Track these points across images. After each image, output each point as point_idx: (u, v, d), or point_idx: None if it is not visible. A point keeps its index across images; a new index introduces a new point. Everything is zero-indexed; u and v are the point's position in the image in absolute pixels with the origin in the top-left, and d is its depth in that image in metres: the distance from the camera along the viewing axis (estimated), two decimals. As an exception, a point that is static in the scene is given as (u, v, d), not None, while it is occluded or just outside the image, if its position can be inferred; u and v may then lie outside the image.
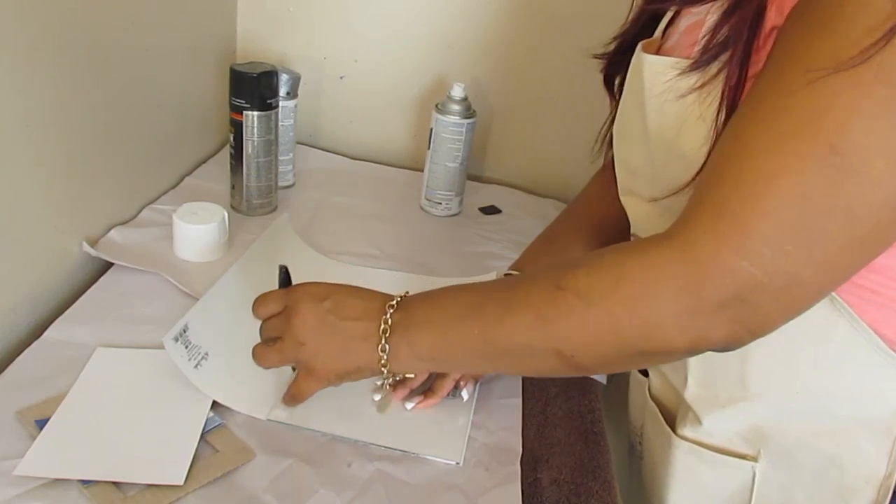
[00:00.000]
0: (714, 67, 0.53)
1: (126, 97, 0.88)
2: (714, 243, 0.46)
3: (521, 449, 0.68)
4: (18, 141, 0.71)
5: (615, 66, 0.71)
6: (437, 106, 1.03)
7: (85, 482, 0.57)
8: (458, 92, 1.01)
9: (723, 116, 0.52)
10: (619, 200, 0.71)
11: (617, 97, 0.73)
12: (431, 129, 1.04)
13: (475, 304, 0.57)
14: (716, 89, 0.53)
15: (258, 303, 0.65)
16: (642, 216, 0.66)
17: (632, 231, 0.69)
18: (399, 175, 1.19)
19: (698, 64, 0.53)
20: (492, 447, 0.67)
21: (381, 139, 1.23)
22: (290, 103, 1.04)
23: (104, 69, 0.82)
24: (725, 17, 0.52)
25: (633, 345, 0.51)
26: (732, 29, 0.51)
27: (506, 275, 0.78)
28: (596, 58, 0.73)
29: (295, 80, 1.04)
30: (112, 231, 0.88)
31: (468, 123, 1.02)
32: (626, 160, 0.67)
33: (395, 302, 0.60)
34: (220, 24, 1.13)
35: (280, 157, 0.99)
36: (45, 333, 0.72)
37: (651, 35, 0.65)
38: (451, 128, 1.02)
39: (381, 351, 0.59)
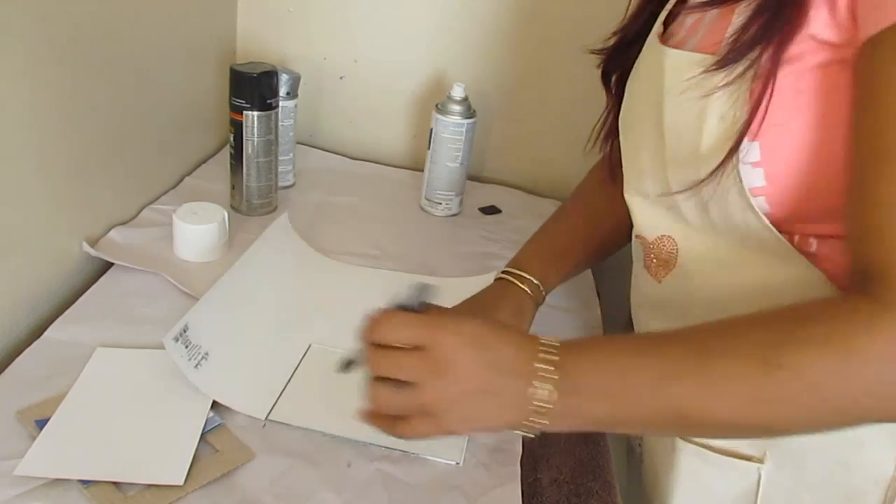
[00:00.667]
0: (741, 66, 0.52)
1: (126, 97, 0.88)
2: None
3: (521, 449, 0.68)
4: (19, 141, 0.71)
5: (614, 62, 0.71)
6: (437, 106, 1.03)
7: (85, 482, 0.57)
8: (458, 92, 1.01)
9: (744, 117, 0.52)
10: (616, 198, 0.71)
11: (614, 93, 0.73)
12: (431, 129, 1.04)
13: (665, 375, 0.49)
14: (740, 89, 0.52)
15: (384, 323, 0.52)
16: (648, 216, 0.66)
17: (636, 232, 0.69)
18: (399, 175, 1.19)
19: (725, 62, 0.52)
20: (492, 447, 0.67)
21: (381, 139, 1.23)
22: (290, 103, 1.04)
23: (104, 69, 0.82)
24: (757, 14, 0.51)
25: (864, 419, 0.49)
26: (762, 28, 0.51)
27: (503, 273, 0.78)
28: (594, 53, 0.73)
29: (295, 80, 1.04)
30: (112, 231, 0.88)
31: (468, 123, 1.02)
32: (634, 157, 0.66)
33: (552, 357, 0.50)
34: (220, 24, 1.13)
35: (280, 157, 0.99)
36: (45, 333, 0.72)
37: (648, 31, 0.65)
38: (451, 128, 1.02)
39: (537, 414, 0.50)
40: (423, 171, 1.08)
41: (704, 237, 0.60)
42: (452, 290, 0.90)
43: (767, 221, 0.55)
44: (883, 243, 0.47)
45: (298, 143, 1.12)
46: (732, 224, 0.57)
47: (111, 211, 0.90)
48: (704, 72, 0.54)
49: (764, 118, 0.51)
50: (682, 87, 0.56)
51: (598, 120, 0.76)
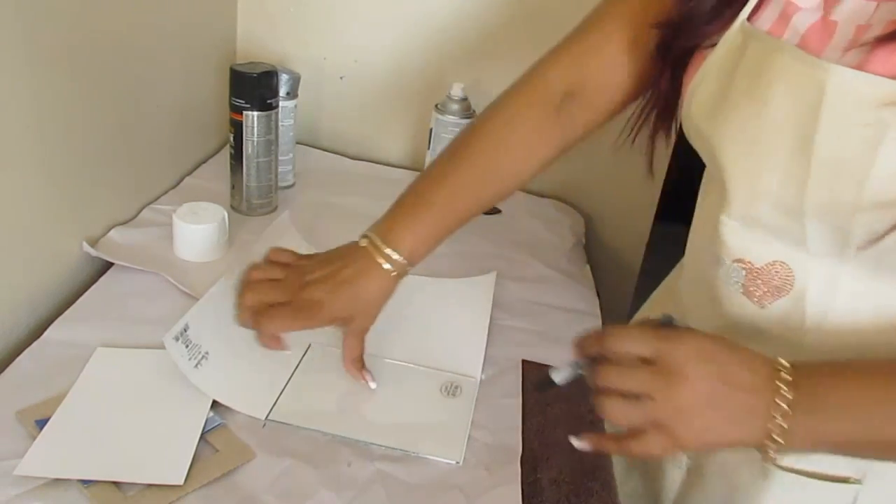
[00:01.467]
0: None
1: (126, 97, 0.88)
2: None
3: (521, 449, 0.68)
4: (19, 141, 0.71)
5: (682, 37, 0.61)
6: (437, 106, 1.03)
7: (85, 482, 0.57)
8: (457, 92, 1.02)
9: None
10: (547, 135, 0.69)
11: (672, 78, 0.64)
12: (431, 129, 1.04)
13: None
14: None
15: (617, 336, 0.53)
16: (759, 241, 0.59)
17: (733, 256, 0.60)
18: (399, 175, 1.19)
19: None
20: (492, 447, 0.67)
21: (381, 139, 1.23)
22: (290, 103, 1.04)
23: (104, 70, 0.82)
24: None
25: None
26: None
27: (369, 242, 0.69)
28: (657, 27, 0.63)
29: (295, 80, 1.04)
30: (112, 231, 0.88)
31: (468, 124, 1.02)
32: (751, 178, 0.58)
33: (788, 375, 0.51)
34: (220, 24, 1.13)
35: (280, 157, 0.99)
36: (45, 333, 0.72)
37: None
38: (451, 128, 1.02)
39: (775, 432, 0.50)
40: (422, 170, 1.08)
41: (828, 263, 0.56)
42: (452, 290, 0.90)
43: None
44: None
45: (298, 143, 1.12)
46: (877, 253, 0.53)
47: (111, 211, 0.90)
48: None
49: None
50: (852, 115, 0.50)
51: (639, 108, 0.68)
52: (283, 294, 0.66)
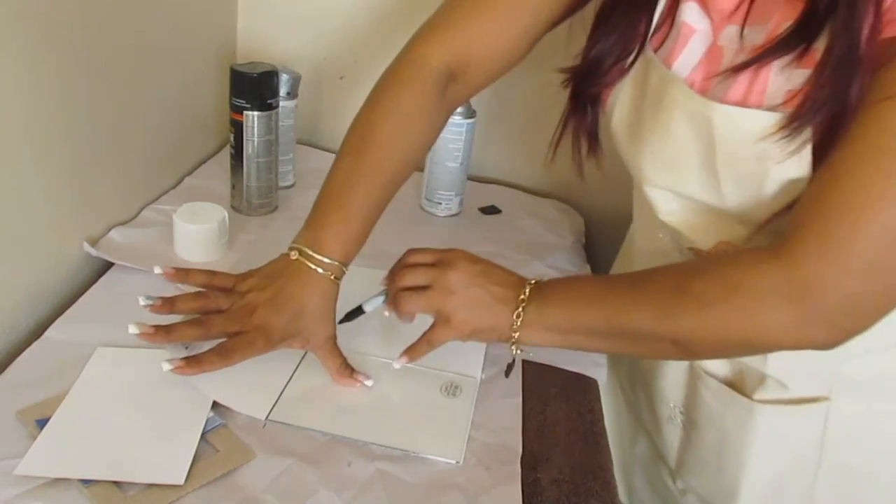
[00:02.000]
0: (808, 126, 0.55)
1: (126, 97, 0.88)
2: (820, 264, 0.53)
3: (521, 449, 0.68)
4: (19, 141, 0.71)
5: (592, 83, 0.69)
6: (437, 106, 1.03)
7: (85, 482, 0.57)
8: (458, 92, 1.01)
9: (808, 165, 0.56)
10: (435, 117, 0.75)
11: (590, 110, 0.71)
12: (431, 129, 1.04)
13: (603, 292, 0.64)
14: (804, 138, 0.55)
15: (412, 252, 0.71)
16: (702, 231, 0.68)
17: (685, 245, 0.70)
18: (399, 175, 1.19)
19: (795, 127, 0.54)
20: (492, 447, 0.67)
21: (381, 139, 1.23)
22: (290, 103, 1.04)
23: (104, 69, 0.82)
24: (832, 74, 0.52)
25: (744, 341, 0.59)
26: (835, 89, 0.52)
27: (301, 255, 0.69)
28: (563, 72, 0.71)
29: (295, 80, 1.04)
30: (112, 231, 0.88)
31: (468, 123, 1.02)
32: (673, 187, 0.67)
33: (533, 281, 0.67)
34: (220, 24, 1.13)
35: (280, 157, 0.99)
36: (45, 333, 0.72)
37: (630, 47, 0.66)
38: (451, 128, 1.02)
39: (516, 317, 0.65)
40: (423, 171, 1.08)
41: (766, 238, 0.63)
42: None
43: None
44: (801, 207, 0.56)
45: (298, 143, 1.12)
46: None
47: (111, 211, 0.90)
48: (785, 137, 0.55)
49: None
50: (737, 140, 0.58)
51: (559, 128, 0.74)
52: (233, 324, 0.68)
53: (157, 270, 0.73)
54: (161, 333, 0.67)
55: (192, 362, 0.65)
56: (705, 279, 0.59)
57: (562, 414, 0.74)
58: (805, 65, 0.54)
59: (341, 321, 0.72)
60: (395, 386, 0.73)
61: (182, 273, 0.73)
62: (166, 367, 0.65)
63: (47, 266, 0.79)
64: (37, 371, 0.68)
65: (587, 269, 1.02)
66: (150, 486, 0.58)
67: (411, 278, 0.69)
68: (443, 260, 0.69)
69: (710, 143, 0.60)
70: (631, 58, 0.66)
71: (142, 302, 0.69)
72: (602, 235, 1.20)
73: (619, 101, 0.69)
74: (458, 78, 0.75)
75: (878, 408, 0.69)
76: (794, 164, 0.56)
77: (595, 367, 0.80)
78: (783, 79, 0.56)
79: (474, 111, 1.03)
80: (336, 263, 0.69)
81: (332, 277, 0.69)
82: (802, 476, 0.73)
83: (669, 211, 0.69)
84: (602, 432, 0.73)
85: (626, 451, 0.93)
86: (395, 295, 0.69)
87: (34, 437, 0.60)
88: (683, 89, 0.61)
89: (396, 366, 0.70)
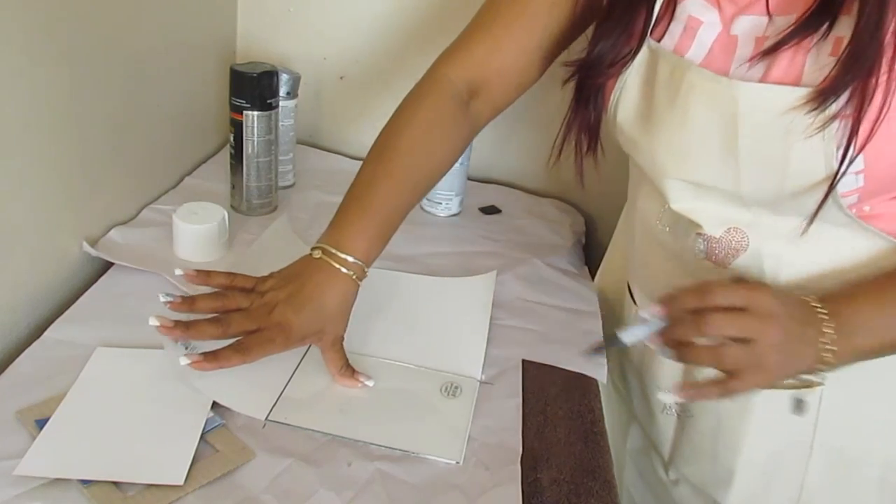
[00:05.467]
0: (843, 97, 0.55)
1: (126, 97, 0.88)
2: None
3: (521, 449, 0.68)
4: (18, 141, 0.71)
5: (598, 75, 0.70)
6: (437, 106, 1.03)
7: (85, 482, 0.57)
8: (458, 92, 1.01)
9: (845, 149, 0.56)
10: (462, 128, 0.76)
11: (593, 103, 0.72)
12: (431, 129, 1.04)
13: None
14: (830, 114, 0.55)
15: (712, 289, 0.60)
16: (713, 215, 0.68)
17: (693, 230, 0.69)
18: (399, 175, 1.19)
19: (823, 100, 0.55)
20: (492, 447, 0.67)
21: (381, 139, 1.23)
22: (290, 103, 1.04)
23: (104, 69, 0.82)
24: (868, 39, 0.53)
25: None
26: (875, 54, 0.53)
27: (324, 253, 0.70)
28: (568, 65, 0.72)
29: (295, 80, 1.04)
30: (112, 231, 0.88)
31: (468, 123, 1.02)
32: (688, 176, 0.67)
33: (821, 308, 0.60)
34: (220, 24, 1.13)
35: (280, 157, 0.99)
36: (45, 333, 0.72)
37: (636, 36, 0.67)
38: (451, 128, 1.02)
39: (826, 356, 0.59)
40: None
41: (776, 224, 0.65)
42: (452, 290, 0.90)
43: (856, 217, 0.61)
44: None
45: (298, 143, 1.12)
46: (818, 221, 0.62)
47: (111, 211, 0.90)
48: (812, 110, 0.55)
49: (874, 133, 0.55)
50: (764, 120, 0.58)
51: (562, 127, 0.75)
52: (252, 322, 0.68)
53: (178, 272, 0.73)
54: (180, 328, 0.66)
55: (210, 358, 0.65)
56: None
57: (562, 414, 0.74)
58: (835, 53, 0.56)
59: (594, 349, 0.70)
60: (395, 386, 0.73)
61: (203, 275, 0.73)
62: (183, 361, 0.65)
63: (47, 266, 0.79)
64: (37, 371, 0.67)
65: (586, 270, 1.02)
66: (150, 486, 0.58)
67: (730, 326, 0.58)
68: (758, 304, 0.59)
69: (732, 124, 0.61)
70: (633, 49, 0.67)
71: (162, 299, 0.69)
72: (602, 235, 1.20)
73: (625, 96, 0.69)
74: (478, 94, 0.78)
75: (869, 390, 0.70)
76: (818, 141, 0.57)
77: (595, 366, 0.80)
78: (816, 66, 0.57)
79: (474, 111, 1.03)
80: (359, 263, 0.70)
81: (354, 277, 0.70)
82: (795, 460, 0.73)
83: (681, 200, 0.69)
84: (602, 432, 0.73)
85: (618, 447, 0.93)
86: (686, 347, 0.60)
87: (34, 437, 0.60)
88: (705, 73, 0.62)
89: (668, 400, 0.65)
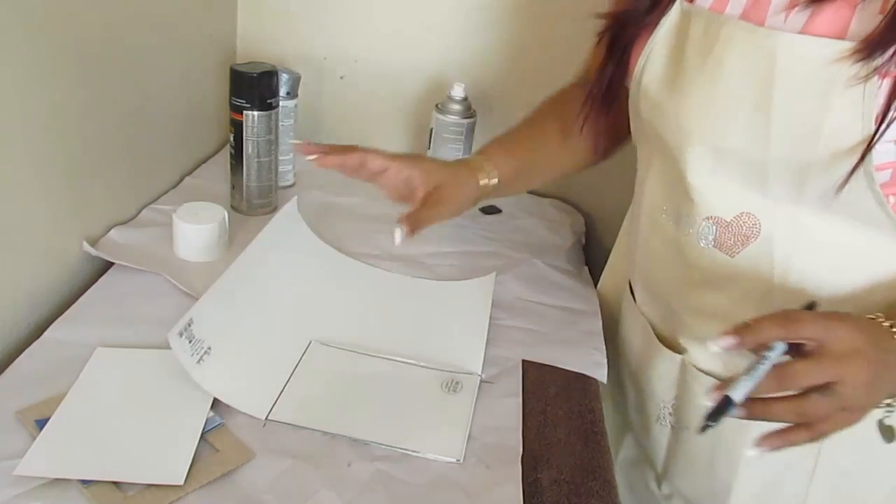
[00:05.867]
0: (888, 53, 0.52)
1: (126, 97, 0.88)
2: None
3: (521, 448, 0.68)
4: (18, 141, 0.71)
5: (629, 27, 0.68)
6: (437, 106, 1.03)
7: (85, 482, 0.57)
8: (458, 92, 1.02)
9: (885, 108, 0.53)
10: (570, 151, 0.80)
11: (617, 59, 0.70)
12: (431, 129, 1.04)
13: None
14: (871, 75, 0.53)
15: (791, 374, 0.51)
16: (726, 196, 0.65)
17: (704, 213, 0.66)
18: (399, 175, 1.19)
19: (867, 54, 0.52)
20: (492, 446, 0.67)
21: (381, 139, 1.23)
22: (290, 103, 1.04)
23: (104, 69, 0.82)
24: None
25: None
26: None
27: (477, 153, 0.80)
28: (601, 17, 0.71)
29: (295, 80, 1.04)
30: (112, 231, 0.88)
31: (468, 123, 1.02)
32: (717, 142, 0.63)
33: (890, 326, 0.55)
34: (220, 24, 1.13)
35: (280, 157, 1.00)
36: (45, 333, 0.72)
37: None
38: (451, 128, 1.02)
39: None
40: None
41: (793, 209, 0.62)
42: (452, 292, 0.90)
43: (893, 212, 0.57)
44: None
45: (299, 143, 1.12)
46: (841, 204, 0.58)
47: (111, 211, 0.90)
48: (858, 61, 0.53)
49: None
50: (803, 75, 0.56)
51: (588, 97, 0.76)
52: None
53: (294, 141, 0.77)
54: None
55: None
56: None
57: (562, 414, 0.74)
58: (883, 11, 0.54)
59: (704, 427, 0.52)
60: (396, 384, 0.73)
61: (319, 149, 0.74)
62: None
63: (47, 266, 0.79)
64: (37, 371, 0.67)
65: (586, 270, 1.02)
66: (150, 486, 0.58)
67: (802, 378, 0.52)
68: (834, 343, 0.52)
69: (768, 78, 0.58)
70: (669, 5, 0.66)
71: None
72: (602, 235, 1.20)
73: (651, 60, 0.67)
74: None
75: (875, 412, 0.66)
76: (857, 99, 0.54)
77: (596, 366, 0.80)
78: (862, 22, 0.55)
79: (474, 111, 1.03)
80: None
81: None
82: (797, 479, 0.71)
83: (699, 173, 0.65)
84: (602, 432, 0.73)
85: None
86: (784, 400, 0.53)
87: (34, 437, 0.60)
88: (742, 24, 0.60)
89: (755, 454, 0.55)
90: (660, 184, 0.72)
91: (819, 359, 0.51)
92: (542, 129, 0.85)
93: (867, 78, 0.53)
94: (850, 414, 0.54)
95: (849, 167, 0.56)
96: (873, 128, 0.54)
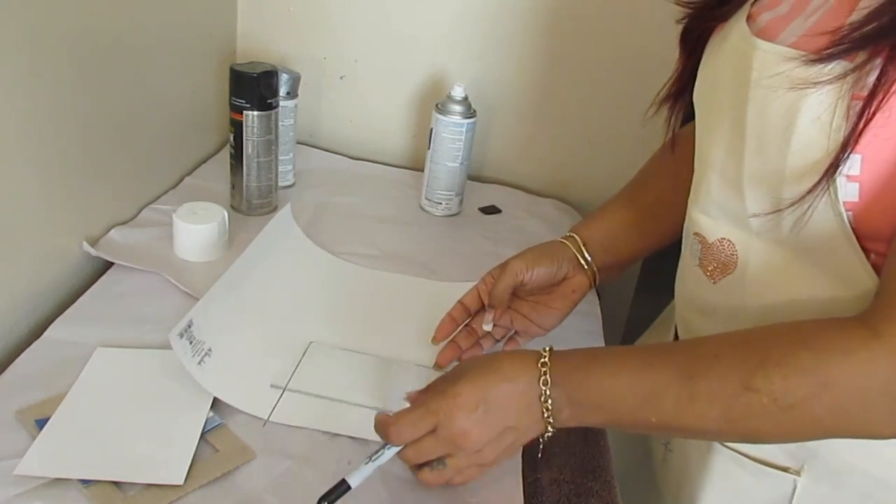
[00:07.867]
0: (840, 68, 0.50)
1: (126, 97, 0.88)
2: None
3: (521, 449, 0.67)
4: (18, 141, 0.71)
5: (701, 18, 0.66)
6: (437, 106, 1.03)
7: (85, 482, 0.57)
8: (458, 92, 1.01)
9: (846, 126, 0.50)
10: (672, 177, 0.74)
11: (689, 52, 0.68)
12: (431, 129, 1.04)
13: (651, 394, 0.54)
14: (841, 90, 0.50)
15: (396, 428, 0.58)
16: (711, 217, 0.64)
17: (694, 228, 0.66)
18: (399, 175, 1.19)
19: (833, 55, 0.50)
20: (492, 447, 0.67)
21: (381, 139, 1.23)
22: (290, 103, 1.04)
23: (104, 69, 0.82)
24: (883, 8, 0.48)
25: (832, 435, 0.53)
26: (885, 25, 0.48)
27: (565, 238, 0.81)
28: (679, 4, 0.67)
29: (295, 80, 1.04)
30: (112, 231, 0.88)
31: (468, 123, 1.02)
32: (706, 151, 0.63)
33: (548, 377, 0.57)
34: (220, 24, 1.13)
35: (280, 157, 0.99)
36: (45, 333, 0.72)
37: None
38: (451, 128, 1.02)
39: (550, 422, 0.58)
40: (423, 171, 1.08)
41: (767, 245, 0.59)
42: (453, 294, 0.90)
43: (855, 239, 0.53)
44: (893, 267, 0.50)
45: (298, 143, 1.12)
46: (808, 235, 0.55)
47: (111, 211, 0.90)
48: (808, 62, 0.51)
49: (868, 126, 0.49)
50: (776, 82, 0.53)
51: (666, 83, 0.72)
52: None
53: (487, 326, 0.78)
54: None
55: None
56: (785, 375, 0.50)
57: (562, 414, 0.73)
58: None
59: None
60: (395, 382, 0.73)
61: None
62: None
63: (47, 266, 0.79)
64: (36, 371, 0.67)
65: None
66: (150, 486, 0.58)
67: (420, 456, 0.59)
68: (440, 423, 0.57)
69: (745, 85, 0.56)
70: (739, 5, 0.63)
71: None
72: (602, 235, 1.20)
73: (705, 62, 0.66)
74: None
75: (848, 499, 0.64)
76: (824, 117, 0.51)
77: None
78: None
79: (474, 111, 1.03)
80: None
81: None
82: None
83: (697, 185, 0.65)
84: (602, 432, 0.73)
85: None
86: (416, 472, 0.61)
87: (34, 437, 0.60)
88: (740, 28, 0.59)
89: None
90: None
91: (434, 438, 0.58)
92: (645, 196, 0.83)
93: (833, 81, 0.50)
94: (477, 468, 0.60)
95: (812, 185, 0.53)
96: (840, 140, 0.51)
